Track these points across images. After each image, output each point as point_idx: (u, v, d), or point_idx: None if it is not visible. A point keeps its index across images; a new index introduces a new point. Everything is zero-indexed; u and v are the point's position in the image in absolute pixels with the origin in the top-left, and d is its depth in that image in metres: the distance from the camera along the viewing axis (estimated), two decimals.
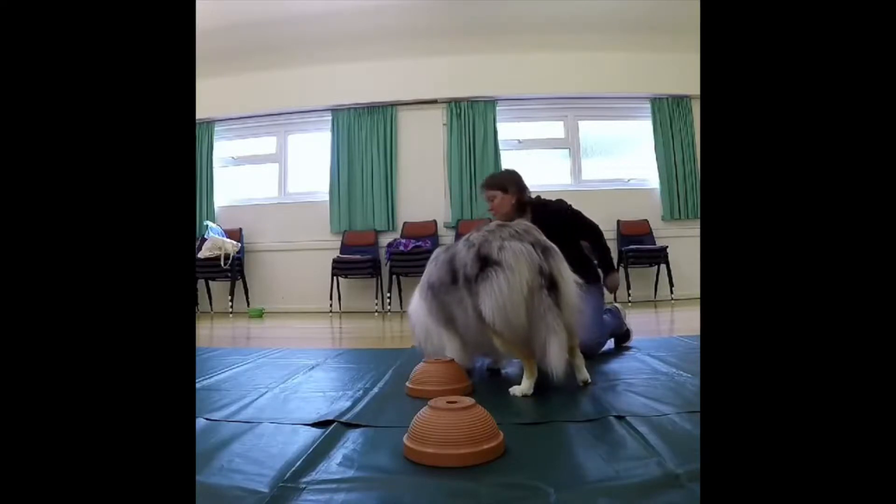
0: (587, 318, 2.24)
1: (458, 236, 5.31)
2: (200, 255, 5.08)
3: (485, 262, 1.58)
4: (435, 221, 5.41)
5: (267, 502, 0.88)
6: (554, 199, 2.47)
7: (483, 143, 5.43)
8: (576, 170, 5.54)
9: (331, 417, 1.35)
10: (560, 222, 2.30)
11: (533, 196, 2.45)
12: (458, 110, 5.47)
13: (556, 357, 1.49)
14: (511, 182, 2.42)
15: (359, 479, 0.98)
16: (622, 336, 2.48)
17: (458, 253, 1.72)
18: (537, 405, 1.50)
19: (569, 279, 1.61)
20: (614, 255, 5.16)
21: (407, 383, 1.67)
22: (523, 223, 1.72)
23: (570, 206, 2.45)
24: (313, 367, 2.15)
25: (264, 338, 3.65)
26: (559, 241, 1.96)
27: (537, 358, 1.57)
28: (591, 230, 2.41)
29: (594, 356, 2.21)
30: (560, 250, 1.69)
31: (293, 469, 1.01)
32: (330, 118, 5.61)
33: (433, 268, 1.86)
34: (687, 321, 3.61)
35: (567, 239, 2.22)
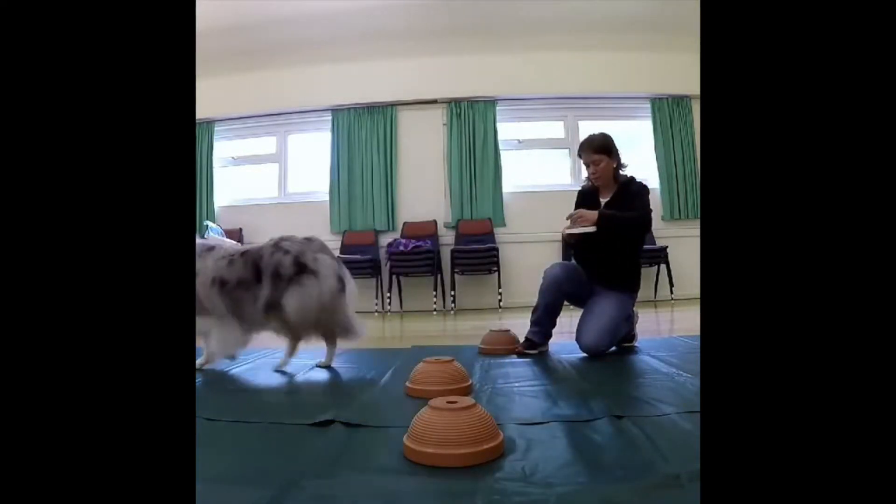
0: (606, 324, 2.24)
1: (458, 236, 5.32)
2: None
3: (301, 269, 2.00)
4: (435, 221, 5.41)
5: (267, 502, 0.88)
6: (636, 179, 2.43)
7: (483, 143, 5.43)
8: (576, 170, 5.52)
9: (331, 417, 1.35)
10: (633, 204, 2.30)
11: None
12: (458, 110, 5.47)
13: (357, 325, 2.14)
14: (613, 146, 2.37)
15: (359, 479, 0.98)
16: (626, 337, 2.48)
17: (263, 255, 2.06)
18: (537, 405, 1.50)
19: (350, 281, 2.15)
20: None
21: (407, 383, 1.67)
22: (320, 241, 2.16)
23: (645, 189, 2.37)
24: (313, 367, 2.15)
25: (264, 338, 3.64)
26: None
27: (339, 335, 2.15)
28: (638, 211, 2.30)
29: (600, 356, 2.22)
30: (620, 249, 2.31)
31: (293, 469, 1.01)
32: (330, 118, 5.61)
33: (223, 265, 2.07)
34: (687, 321, 3.61)
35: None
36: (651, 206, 2.37)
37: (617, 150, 2.39)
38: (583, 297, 2.42)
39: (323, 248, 2.12)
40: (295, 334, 2.12)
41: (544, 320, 2.36)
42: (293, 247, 2.06)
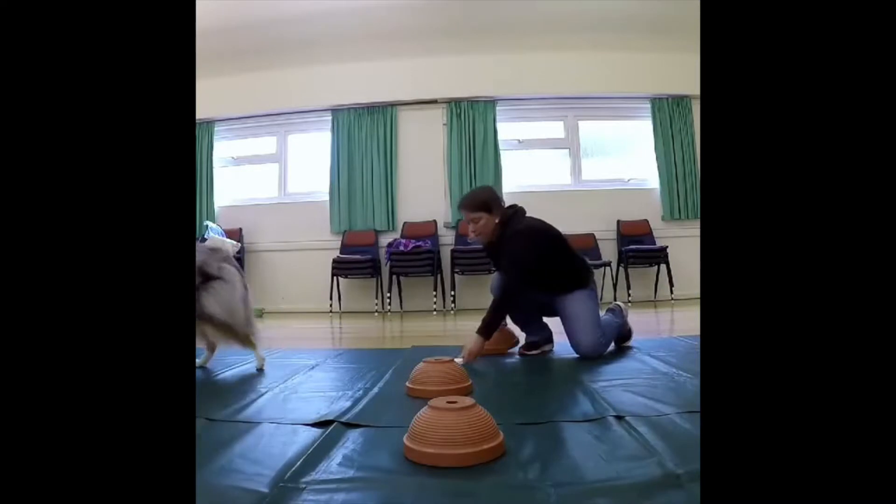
0: (590, 319, 2.22)
1: (458, 236, 5.32)
2: None
3: (206, 278, 2.06)
4: (435, 221, 5.41)
5: (267, 502, 0.88)
6: (513, 212, 2.24)
7: (483, 143, 5.43)
8: (576, 170, 5.53)
9: (331, 417, 1.35)
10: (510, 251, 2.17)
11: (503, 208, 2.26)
12: (458, 110, 5.47)
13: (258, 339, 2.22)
14: (494, 201, 2.22)
15: (359, 479, 0.98)
16: (623, 335, 2.47)
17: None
18: (537, 405, 1.50)
19: (250, 289, 2.23)
20: (613, 255, 5.19)
21: (407, 383, 1.67)
22: (226, 251, 2.24)
23: (515, 240, 2.17)
24: (313, 367, 2.15)
25: (264, 338, 3.64)
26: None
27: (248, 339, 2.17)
28: (502, 287, 2.19)
29: (598, 357, 2.20)
30: (541, 266, 2.18)
31: (293, 469, 1.01)
32: (330, 118, 5.61)
33: None
34: (687, 321, 3.61)
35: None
36: (522, 253, 2.14)
37: (499, 203, 2.23)
38: (544, 303, 2.34)
39: (227, 259, 2.16)
40: (231, 333, 2.10)
41: (522, 318, 2.36)
42: (196, 257, 2.04)
